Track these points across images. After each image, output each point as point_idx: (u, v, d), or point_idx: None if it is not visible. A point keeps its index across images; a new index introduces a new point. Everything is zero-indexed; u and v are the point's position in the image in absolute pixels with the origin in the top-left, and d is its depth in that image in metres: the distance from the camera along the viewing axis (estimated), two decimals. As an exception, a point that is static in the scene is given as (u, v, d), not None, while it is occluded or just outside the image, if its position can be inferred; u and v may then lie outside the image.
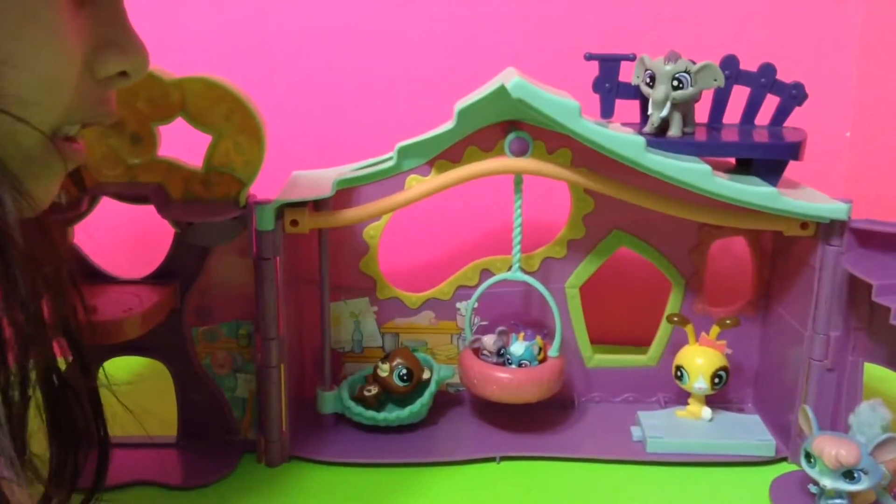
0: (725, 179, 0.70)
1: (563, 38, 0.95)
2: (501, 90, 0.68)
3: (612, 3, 0.96)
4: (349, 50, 0.96)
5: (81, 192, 0.69)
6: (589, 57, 0.76)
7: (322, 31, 0.95)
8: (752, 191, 0.70)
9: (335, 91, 0.97)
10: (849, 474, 0.65)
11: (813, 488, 0.69)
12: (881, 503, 0.69)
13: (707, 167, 0.70)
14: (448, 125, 0.74)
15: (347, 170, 0.79)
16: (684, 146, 0.72)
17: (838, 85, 0.98)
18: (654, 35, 0.95)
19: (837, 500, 0.67)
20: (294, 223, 0.72)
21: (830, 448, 0.65)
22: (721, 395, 0.85)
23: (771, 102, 0.78)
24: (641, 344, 0.87)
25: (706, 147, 0.73)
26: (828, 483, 0.66)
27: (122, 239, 0.91)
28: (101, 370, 0.57)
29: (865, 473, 0.65)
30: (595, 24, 0.96)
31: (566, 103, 0.67)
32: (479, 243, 0.89)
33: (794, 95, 0.76)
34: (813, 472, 0.67)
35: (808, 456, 0.67)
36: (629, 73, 0.76)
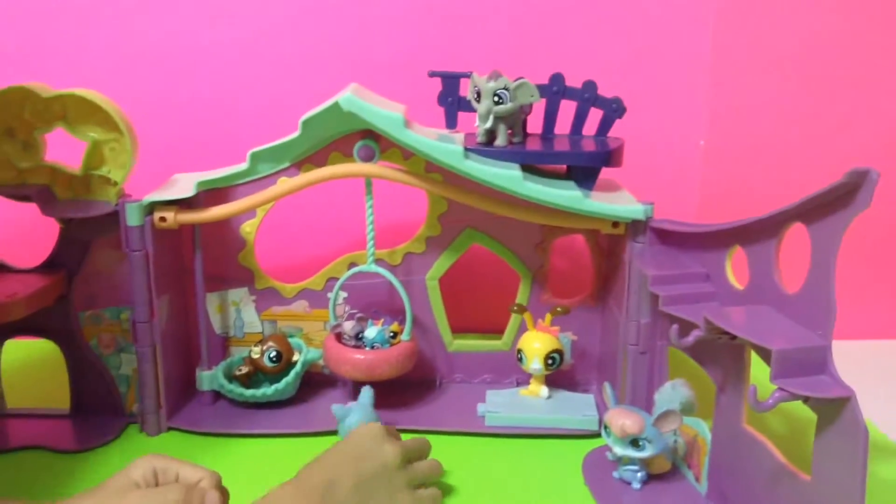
0: (536, 185, 0.79)
1: (436, 58, 1.03)
2: (336, 104, 0.77)
3: (483, 24, 1.04)
4: (245, 64, 1.04)
5: (-25, 193, 0.79)
6: (432, 74, 0.86)
7: (217, 47, 1.03)
8: (557, 194, 0.79)
9: (227, 102, 1.05)
10: (635, 443, 0.74)
11: (610, 456, 0.78)
12: (678, 471, 0.78)
13: (518, 173, 0.78)
14: (294, 135, 0.83)
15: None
16: (507, 154, 0.81)
17: (693, 97, 1.06)
18: (517, 54, 1.04)
19: (631, 467, 0.76)
20: (162, 219, 0.81)
21: (617, 419, 0.74)
22: (570, 377, 0.95)
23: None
24: (498, 331, 0.96)
25: (525, 155, 0.81)
26: (619, 450, 0.75)
27: (23, 234, 0.99)
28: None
29: (650, 442, 0.74)
30: (472, 45, 1.05)
31: (390, 115, 0.77)
32: (349, 240, 0.98)
33: (614, 109, 0.85)
34: (609, 441, 0.76)
35: (606, 427, 0.76)
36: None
